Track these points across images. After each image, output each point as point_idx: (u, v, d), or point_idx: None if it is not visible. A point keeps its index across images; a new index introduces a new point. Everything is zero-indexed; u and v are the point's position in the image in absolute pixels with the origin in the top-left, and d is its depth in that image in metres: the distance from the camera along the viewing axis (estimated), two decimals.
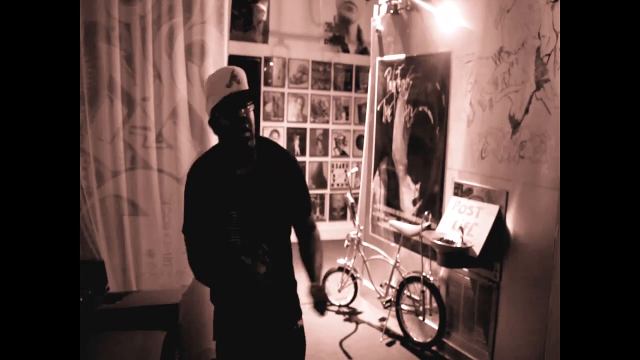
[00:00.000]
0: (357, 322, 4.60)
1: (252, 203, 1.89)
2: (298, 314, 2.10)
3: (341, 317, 4.68)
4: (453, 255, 3.57)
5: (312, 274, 2.04)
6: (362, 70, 6.89)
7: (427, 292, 4.04)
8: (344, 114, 7.09)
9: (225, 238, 1.90)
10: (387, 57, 4.77)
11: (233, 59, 4.77)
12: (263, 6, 6.27)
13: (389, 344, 4.23)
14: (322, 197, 7.19)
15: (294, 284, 2.10)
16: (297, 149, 6.84)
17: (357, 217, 5.03)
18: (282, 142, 6.71)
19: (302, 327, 2.10)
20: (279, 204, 1.94)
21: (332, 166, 7.17)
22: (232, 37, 5.03)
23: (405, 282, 4.22)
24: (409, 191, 4.48)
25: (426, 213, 4.09)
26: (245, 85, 1.85)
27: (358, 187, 5.67)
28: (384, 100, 4.79)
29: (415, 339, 4.19)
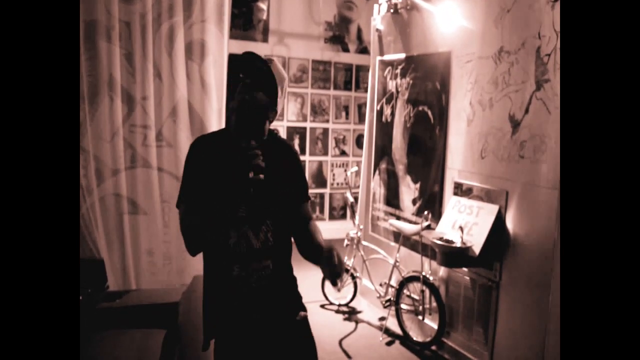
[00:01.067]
0: (357, 322, 4.60)
1: (261, 177, 1.86)
2: (299, 307, 2.05)
3: (341, 316, 4.68)
4: (453, 255, 3.57)
5: (319, 245, 1.95)
6: (362, 69, 6.89)
7: (427, 292, 4.04)
8: (343, 113, 7.09)
9: (231, 209, 1.88)
10: (387, 57, 4.77)
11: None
12: (263, 5, 6.27)
13: (389, 344, 4.23)
14: (321, 196, 7.19)
15: (293, 279, 2.07)
16: (297, 148, 6.85)
17: (357, 217, 5.03)
18: None
19: (305, 319, 2.04)
20: (282, 186, 1.94)
21: (332, 165, 7.17)
22: (232, 36, 5.03)
23: (405, 282, 4.22)
24: (408, 190, 4.48)
25: (426, 212, 4.09)
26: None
27: (358, 187, 5.67)
28: (384, 100, 4.79)
29: (414, 338, 4.19)
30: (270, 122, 1.94)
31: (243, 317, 1.92)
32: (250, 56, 1.88)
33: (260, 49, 6.36)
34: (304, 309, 2.06)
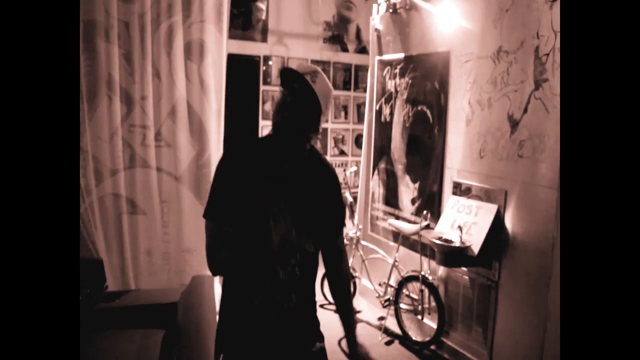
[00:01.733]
0: (356, 321, 4.60)
1: (297, 200, 1.80)
2: (317, 336, 1.97)
3: None
4: (452, 255, 3.57)
5: (352, 336, 1.96)
6: (361, 69, 6.89)
7: (426, 291, 4.04)
8: (342, 113, 7.08)
9: (261, 230, 1.76)
10: (386, 57, 4.77)
11: (232, 58, 4.78)
12: (262, 5, 6.26)
13: (388, 343, 4.23)
14: None
15: (314, 307, 1.99)
16: None
17: (356, 216, 5.03)
18: None
19: (322, 350, 1.96)
20: (316, 212, 1.85)
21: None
22: (231, 36, 5.03)
23: (404, 281, 4.22)
24: (407, 190, 4.48)
25: (425, 212, 4.09)
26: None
27: (357, 186, 5.67)
28: (383, 100, 4.79)
29: (414, 338, 4.19)
30: (310, 141, 1.85)
31: (258, 343, 1.84)
32: (291, 73, 1.77)
33: (259, 49, 6.36)
34: (322, 338, 1.99)
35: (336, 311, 2.08)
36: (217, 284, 4.20)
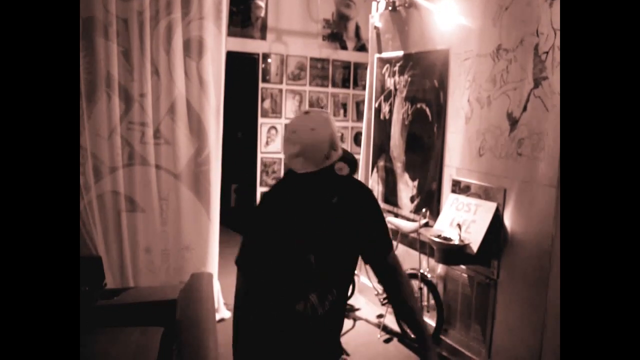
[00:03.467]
0: (355, 319, 4.60)
1: (330, 248, 1.78)
2: (338, 352, 1.98)
3: None
4: (451, 253, 3.57)
5: (425, 343, 1.89)
6: (361, 67, 6.88)
7: (425, 289, 4.04)
8: (342, 111, 7.08)
9: (297, 287, 1.78)
10: (386, 54, 4.77)
11: (231, 56, 4.77)
12: (261, 2, 6.25)
13: (387, 341, 4.23)
14: None
15: (341, 325, 1.99)
16: None
17: None
18: (280, 138, 6.71)
19: None
20: (353, 249, 1.86)
21: None
22: (230, 33, 5.01)
23: None
24: (406, 188, 4.48)
25: (424, 210, 4.09)
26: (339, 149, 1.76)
27: None
28: (382, 97, 4.79)
29: (412, 335, 4.19)
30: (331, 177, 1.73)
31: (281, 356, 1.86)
32: (289, 126, 1.73)
33: (258, 46, 6.35)
34: (341, 352, 2.02)
35: (409, 328, 2.02)
36: (216, 281, 4.21)
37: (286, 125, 1.84)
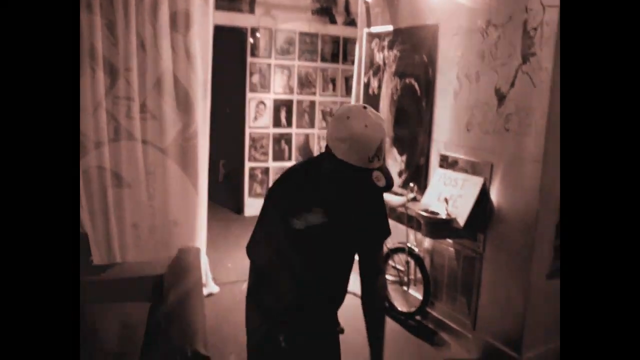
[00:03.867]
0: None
1: (327, 237, 1.91)
2: (335, 326, 2.17)
3: None
4: (437, 226, 3.60)
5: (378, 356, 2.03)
6: (350, 41, 6.82)
7: (412, 263, 4.09)
8: (331, 86, 7.04)
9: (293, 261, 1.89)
10: (375, 29, 4.72)
11: (219, 30, 4.70)
12: None
13: None
14: None
15: (341, 301, 2.19)
16: (283, 120, 6.80)
17: None
18: (269, 113, 6.67)
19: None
20: (350, 243, 1.98)
21: (319, 138, 7.14)
22: (218, 7, 4.92)
23: (390, 253, 4.26)
24: (395, 163, 4.48)
25: (412, 185, 4.11)
26: (382, 160, 1.71)
27: None
28: (371, 72, 4.76)
29: (399, 308, 4.24)
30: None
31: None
32: (344, 111, 1.70)
33: (246, 20, 6.27)
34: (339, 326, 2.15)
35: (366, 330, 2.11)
36: (204, 255, 4.21)
37: (341, 106, 1.86)
